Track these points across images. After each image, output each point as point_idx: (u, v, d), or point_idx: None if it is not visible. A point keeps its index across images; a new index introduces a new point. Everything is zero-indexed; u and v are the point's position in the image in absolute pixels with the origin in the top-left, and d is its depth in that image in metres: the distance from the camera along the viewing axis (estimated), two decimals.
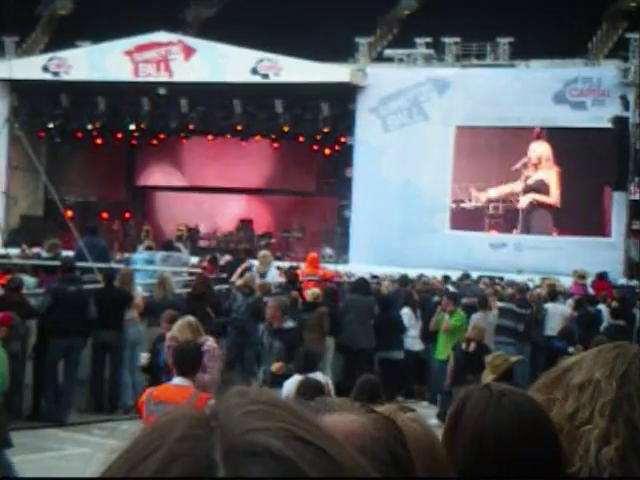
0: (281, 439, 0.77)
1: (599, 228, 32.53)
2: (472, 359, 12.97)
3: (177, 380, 7.77)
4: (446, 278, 23.82)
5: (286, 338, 11.17)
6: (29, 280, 16.24)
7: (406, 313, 16.68)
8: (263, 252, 19.27)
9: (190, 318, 10.11)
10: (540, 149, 33.82)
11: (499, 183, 34.23)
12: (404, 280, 21.02)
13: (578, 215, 32.82)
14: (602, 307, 19.43)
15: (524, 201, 34.09)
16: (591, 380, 1.82)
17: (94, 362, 14.66)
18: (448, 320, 16.05)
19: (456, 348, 14.25)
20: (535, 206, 34.01)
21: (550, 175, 33.88)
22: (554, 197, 33.69)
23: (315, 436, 0.79)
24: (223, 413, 0.80)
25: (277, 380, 10.54)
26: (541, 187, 34.03)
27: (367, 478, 0.80)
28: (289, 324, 11.31)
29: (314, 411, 1.31)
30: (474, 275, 25.52)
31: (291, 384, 9.44)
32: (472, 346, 13.72)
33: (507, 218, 34.05)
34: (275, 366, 10.81)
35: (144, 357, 11.54)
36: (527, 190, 34.22)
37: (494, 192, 34.30)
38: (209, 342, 9.82)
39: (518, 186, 34.11)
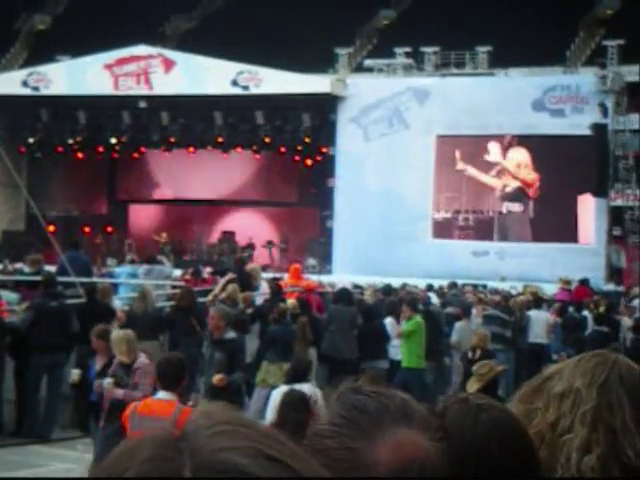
0: (249, 457, 0.77)
1: (579, 234, 32.66)
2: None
3: (161, 394, 7.75)
4: (429, 287, 23.85)
5: (228, 349, 10.86)
6: (11, 296, 16.18)
7: (390, 322, 16.68)
8: (252, 265, 19.26)
9: (128, 332, 10.09)
10: (519, 156, 33.94)
11: (473, 192, 34.32)
12: (387, 290, 21.04)
13: (557, 222, 32.94)
14: (586, 313, 19.51)
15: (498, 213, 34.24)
16: (571, 389, 1.83)
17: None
18: (403, 325, 16.09)
19: (463, 357, 14.31)
20: (511, 213, 34.13)
21: (528, 182, 33.99)
22: (531, 207, 33.79)
23: (283, 454, 0.80)
24: (191, 434, 0.80)
25: (217, 392, 10.44)
26: (518, 196, 34.12)
27: None
28: (231, 335, 11.03)
29: (390, 415, 1.30)
30: (457, 283, 25.57)
31: (278, 394, 9.42)
32: (477, 353, 13.77)
33: (478, 230, 34.11)
34: (216, 378, 10.59)
35: (75, 373, 11.46)
36: (503, 198, 34.30)
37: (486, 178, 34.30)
38: (141, 359, 9.83)
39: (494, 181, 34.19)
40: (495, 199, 34.29)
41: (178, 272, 23.36)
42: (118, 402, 9.60)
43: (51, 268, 17.55)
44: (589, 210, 32.60)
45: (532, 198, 33.77)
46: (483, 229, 34.12)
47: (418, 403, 1.35)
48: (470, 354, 14.04)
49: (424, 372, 16.05)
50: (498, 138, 33.69)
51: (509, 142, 33.75)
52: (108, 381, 9.78)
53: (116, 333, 10.21)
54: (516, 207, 34.06)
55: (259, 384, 14.45)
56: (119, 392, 9.67)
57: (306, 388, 9.16)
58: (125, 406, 9.44)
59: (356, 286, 23.49)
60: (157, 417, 7.22)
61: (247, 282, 17.37)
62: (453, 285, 24.35)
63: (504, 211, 34.23)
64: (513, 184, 34.18)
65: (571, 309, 19.88)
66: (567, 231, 33.00)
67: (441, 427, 1.33)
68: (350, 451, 1.27)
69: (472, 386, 8.28)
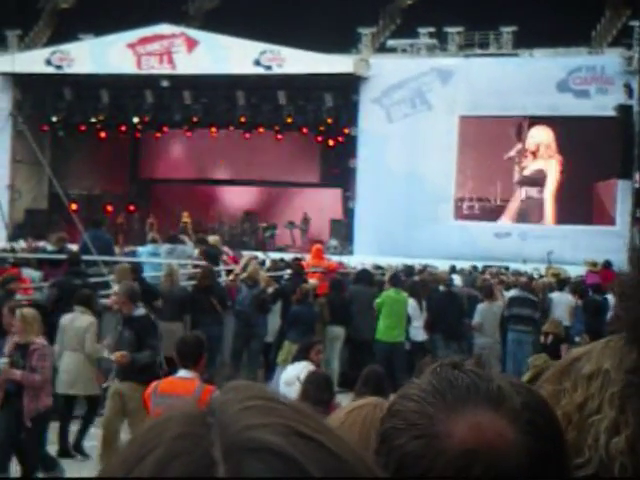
0: (281, 435, 0.76)
1: (602, 217, 32.52)
2: (550, 352, 13.03)
3: (181, 372, 7.79)
4: (452, 268, 23.82)
5: (136, 327, 10.48)
6: (34, 273, 16.27)
7: (410, 304, 16.68)
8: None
9: (27, 311, 9.76)
10: (540, 136, 33.78)
11: (496, 174, 34.21)
12: (409, 271, 21.02)
13: (580, 204, 32.81)
14: (609, 296, 19.41)
15: (517, 198, 34.10)
16: (600, 370, 1.82)
17: None
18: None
19: (535, 342, 14.46)
20: (530, 198, 34.06)
21: (549, 164, 33.84)
22: (552, 189, 33.64)
23: (316, 431, 0.78)
24: (220, 409, 0.79)
25: (124, 371, 10.18)
26: (538, 178, 33.99)
27: (369, 473, 0.79)
28: (140, 312, 10.70)
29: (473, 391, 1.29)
30: (479, 265, 25.54)
31: (293, 370, 9.48)
32: (550, 338, 13.85)
33: (482, 218, 34.11)
34: (117, 354, 10.18)
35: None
36: (523, 182, 34.18)
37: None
38: (38, 340, 9.56)
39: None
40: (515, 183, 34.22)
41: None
42: (15, 384, 9.42)
43: (73, 246, 17.64)
44: (613, 192, 32.43)
45: (551, 181, 33.63)
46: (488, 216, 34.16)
47: (516, 395, 1.32)
48: (542, 339, 14.08)
49: (397, 346, 15.93)
50: (520, 119, 33.55)
51: (529, 122, 33.60)
52: (3, 361, 9.52)
53: (26, 310, 9.86)
54: (534, 192, 33.94)
55: (281, 364, 14.50)
56: (16, 373, 9.43)
57: (301, 367, 9.21)
58: (21, 388, 9.34)
59: (377, 267, 23.49)
60: (179, 395, 7.26)
61: (215, 259, 17.47)
62: (474, 269, 24.32)
63: (523, 197, 34.12)
64: (532, 166, 34.04)
65: (590, 292, 19.77)
66: (590, 213, 32.86)
67: (533, 422, 1.30)
68: (428, 418, 1.27)
69: (525, 376, 8.30)
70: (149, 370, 9.93)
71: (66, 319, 11.62)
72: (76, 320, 11.54)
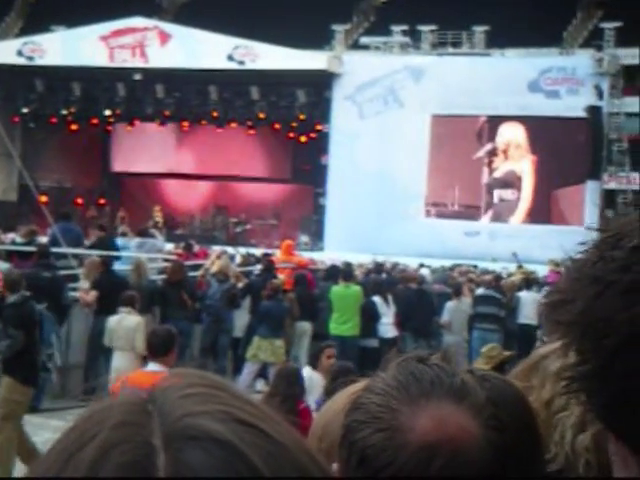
0: (221, 422, 0.75)
1: (571, 217, 32.69)
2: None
3: (151, 366, 7.76)
4: (421, 266, 23.87)
5: (5, 314, 10.08)
6: (3, 266, 16.15)
7: (377, 301, 16.71)
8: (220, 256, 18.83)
9: None
10: (509, 134, 33.87)
11: (467, 174, 34.33)
12: (379, 268, 21.05)
13: (549, 204, 33.01)
14: None
15: (487, 201, 34.21)
16: (568, 367, 1.84)
17: (91, 347, 14.59)
18: None
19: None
20: (504, 201, 34.19)
21: (522, 165, 33.95)
22: (527, 190, 33.75)
23: (256, 417, 0.78)
24: (161, 397, 0.78)
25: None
26: (510, 180, 34.09)
27: (309, 459, 0.79)
28: (12, 299, 10.40)
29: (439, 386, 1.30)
30: (448, 263, 25.61)
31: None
32: None
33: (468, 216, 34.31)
34: None
35: None
36: (494, 185, 34.27)
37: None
38: None
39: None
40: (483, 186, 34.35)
41: (170, 246, 23.34)
42: None
43: (43, 239, 17.53)
44: (582, 192, 32.63)
45: (526, 183, 33.76)
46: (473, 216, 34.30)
47: (481, 389, 1.33)
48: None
49: (348, 340, 15.93)
50: (490, 118, 33.68)
51: (500, 121, 33.72)
52: None
53: None
54: (508, 194, 34.06)
55: (250, 359, 14.50)
56: None
57: (304, 373, 9.16)
58: None
59: (347, 264, 23.47)
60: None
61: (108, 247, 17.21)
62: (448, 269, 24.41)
63: (495, 200, 34.24)
64: (504, 167, 34.16)
65: None
66: (559, 213, 33.06)
67: (496, 417, 1.31)
68: (390, 411, 1.28)
69: (478, 366, 8.33)
70: (27, 366, 9.79)
71: (113, 320, 11.84)
72: (123, 321, 11.74)
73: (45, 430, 11.54)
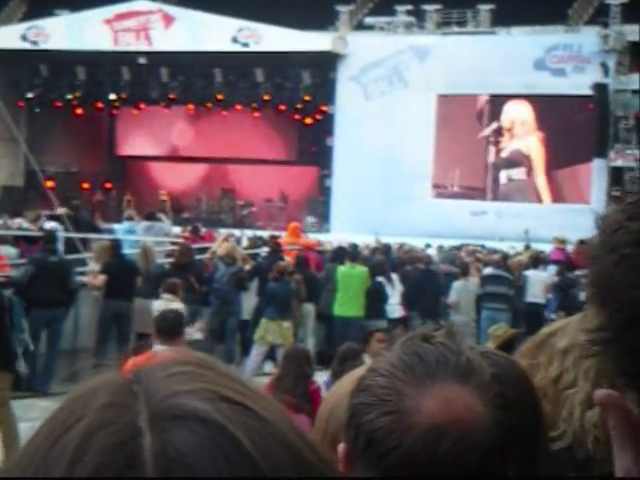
0: (206, 401, 0.75)
1: (578, 195, 32.63)
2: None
3: (159, 348, 7.76)
4: (427, 246, 23.86)
5: None
6: (10, 250, 16.20)
7: (382, 282, 16.72)
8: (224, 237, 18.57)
9: None
10: (514, 112, 33.73)
11: (473, 153, 34.23)
12: (385, 249, 21.05)
13: (555, 182, 32.94)
14: (582, 272, 19.48)
15: (494, 180, 34.11)
16: (575, 344, 1.83)
17: (101, 331, 14.66)
18: None
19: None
20: (513, 180, 34.09)
21: (528, 142, 33.82)
22: (535, 170, 33.63)
23: (243, 395, 0.77)
24: (146, 377, 0.78)
25: None
26: (518, 159, 33.98)
27: (297, 436, 0.78)
28: None
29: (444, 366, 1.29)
30: (456, 243, 25.59)
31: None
32: None
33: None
34: None
35: None
36: (501, 166, 34.16)
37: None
38: None
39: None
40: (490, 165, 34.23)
41: (177, 229, 23.37)
42: None
43: (50, 224, 17.56)
44: (588, 170, 32.55)
45: (536, 160, 33.65)
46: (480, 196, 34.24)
47: (486, 367, 1.33)
48: None
49: (351, 320, 15.92)
50: (496, 97, 33.58)
51: (505, 99, 33.60)
52: None
53: None
54: (517, 173, 33.93)
55: (258, 341, 14.54)
56: None
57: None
58: None
59: (354, 245, 23.49)
60: None
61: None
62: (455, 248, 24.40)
63: (503, 181, 34.13)
64: (510, 147, 34.05)
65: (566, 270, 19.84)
66: (566, 191, 32.99)
67: (502, 395, 1.31)
68: (396, 393, 1.28)
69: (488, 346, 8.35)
70: (2, 352, 9.77)
71: (156, 308, 11.79)
72: (166, 308, 11.73)
73: None
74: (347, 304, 15.96)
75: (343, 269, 16.26)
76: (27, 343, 10.80)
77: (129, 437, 0.73)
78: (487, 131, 34.25)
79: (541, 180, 33.53)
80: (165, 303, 11.86)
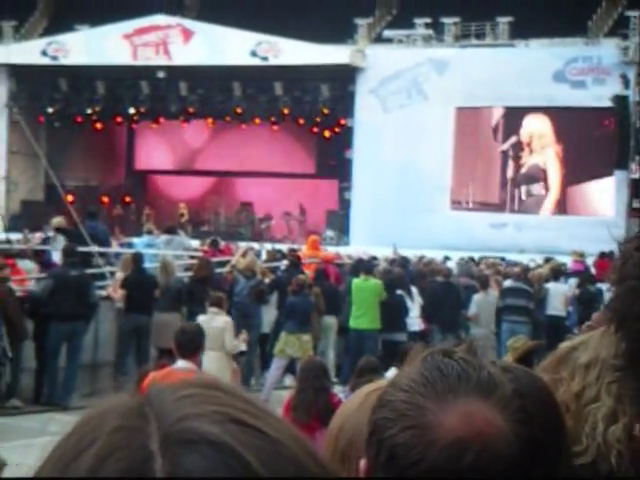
0: (217, 424, 0.75)
1: (599, 207, 32.52)
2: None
3: (180, 363, 7.75)
4: (446, 259, 23.81)
5: None
6: (29, 265, 16.26)
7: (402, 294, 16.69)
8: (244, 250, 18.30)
9: None
10: (533, 126, 33.67)
11: (492, 167, 34.18)
12: (404, 262, 21.01)
13: (576, 194, 32.84)
14: (604, 286, 19.41)
15: (514, 195, 34.07)
16: (597, 359, 1.82)
17: (121, 345, 14.72)
18: None
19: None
20: (532, 197, 34.02)
21: (546, 157, 33.74)
22: (554, 182, 33.52)
23: (253, 417, 0.77)
24: (156, 399, 0.78)
25: None
26: (536, 174, 33.89)
27: (309, 457, 0.78)
28: None
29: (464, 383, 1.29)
30: (475, 255, 25.54)
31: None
32: None
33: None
34: None
35: None
36: (521, 182, 34.07)
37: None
38: None
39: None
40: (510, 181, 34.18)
41: (196, 243, 23.42)
42: None
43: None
44: (609, 182, 32.44)
45: (552, 175, 33.55)
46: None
47: (507, 382, 1.32)
48: None
49: (366, 333, 15.89)
50: (515, 109, 33.52)
51: (524, 112, 33.54)
52: None
53: None
54: (536, 189, 33.85)
55: (278, 354, 14.52)
56: None
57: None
58: None
59: (373, 257, 23.49)
60: None
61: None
62: (470, 260, 24.33)
63: (523, 197, 34.07)
64: (529, 162, 33.97)
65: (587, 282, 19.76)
66: (586, 203, 32.88)
67: (524, 410, 1.30)
68: (418, 408, 1.27)
69: (506, 360, 8.33)
70: None
71: (202, 321, 11.95)
72: (212, 321, 11.93)
73: None
74: (362, 317, 15.95)
75: (357, 282, 16.25)
76: (4, 350, 10.83)
77: (141, 461, 0.73)
78: (506, 145, 34.18)
79: (560, 193, 33.42)
80: (210, 317, 12.04)
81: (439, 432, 1.25)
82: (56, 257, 15.96)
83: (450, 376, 1.30)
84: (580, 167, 32.49)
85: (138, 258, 15.31)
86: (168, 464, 0.73)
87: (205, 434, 0.74)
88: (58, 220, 17.67)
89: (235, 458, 0.74)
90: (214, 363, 11.73)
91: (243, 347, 12.13)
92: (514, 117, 33.72)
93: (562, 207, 33.24)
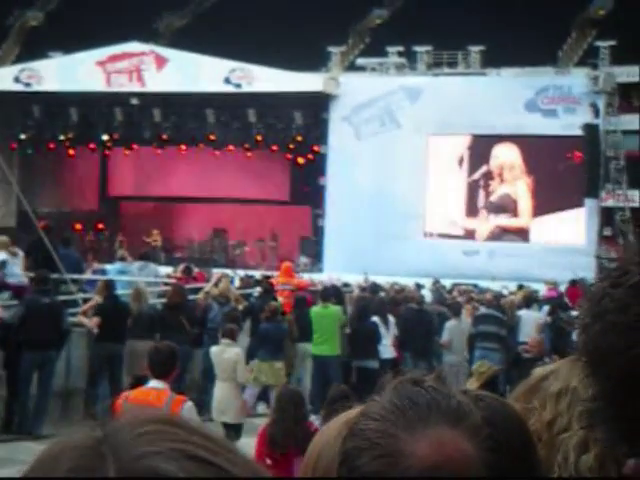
0: (174, 461, 0.75)
1: (569, 235, 32.69)
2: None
3: (152, 383, 7.67)
4: (419, 286, 23.83)
5: None
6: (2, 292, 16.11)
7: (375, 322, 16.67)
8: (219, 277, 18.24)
9: None
10: (503, 156, 33.86)
11: (463, 194, 34.33)
12: (374, 289, 21.00)
13: (548, 223, 33.02)
14: (575, 313, 19.44)
15: (485, 229, 34.12)
16: (568, 388, 1.84)
17: (93, 373, 14.61)
18: None
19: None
20: (501, 231, 34.13)
21: (517, 187, 33.92)
22: (524, 214, 33.70)
23: (210, 452, 0.77)
24: (113, 437, 0.77)
25: None
26: (507, 204, 34.05)
27: None
28: None
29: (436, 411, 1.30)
30: (447, 283, 25.59)
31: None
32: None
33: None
34: None
35: None
36: (490, 209, 34.22)
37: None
38: None
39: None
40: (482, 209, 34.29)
41: (169, 269, 23.33)
42: None
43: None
44: (580, 211, 32.64)
45: (523, 206, 33.72)
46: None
47: (476, 410, 1.34)
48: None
49: (329, 360, 15.91)
50: (486, 138, 33.71)
51: (495, 141, 33.73)
52: None
53: None
54: (505, 219, 34.00)
55: (251, 382, 14.43)
56: None
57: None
58: None
59: (346, 284, 23.49)
60: (150, 405, 7.16)
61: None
62: (436, 282, 24.41)
63: (492, 224, 34.16)
64: (500, 191, 34.14)
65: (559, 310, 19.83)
66: (557, 231, 33.04)
67: (492, 438, 1.31)
68: (389, 437, 1.28)
69: (472, 384, 8.36)
70: None
71: (215, 352, 12.21)
72: (224, 352, 12.02)
73: None
74: (324, 343, 15.94)
75: (316, 309, 16.25)
76: None
77: None
78: (477, 175, 34.34)
79: (531, 223, 33.59)
80: (222, 348, 12.12)
81: (410, 460, 1.25)
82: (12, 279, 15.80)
83: (420, 405, 1.30)
84: (551, 197, 32.68)
85: (110, 285, 15.24)
86: None
87: (163, 472, 0.74)
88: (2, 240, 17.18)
89: None
90: (226, 393, 11.99)
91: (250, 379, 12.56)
92: (484, 145, 33.89)
93: (534, 235, 33.40)
